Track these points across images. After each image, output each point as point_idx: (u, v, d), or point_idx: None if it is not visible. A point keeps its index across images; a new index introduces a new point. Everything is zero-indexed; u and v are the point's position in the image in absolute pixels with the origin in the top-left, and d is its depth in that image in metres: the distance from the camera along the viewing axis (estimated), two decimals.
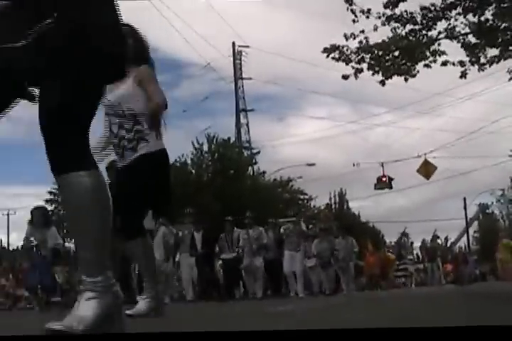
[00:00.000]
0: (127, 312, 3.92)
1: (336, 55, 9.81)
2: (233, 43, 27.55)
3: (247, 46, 27.71)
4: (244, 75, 27.85)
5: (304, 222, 14.15)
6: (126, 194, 3.81)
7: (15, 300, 12.93)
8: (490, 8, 9.29)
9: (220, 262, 12.49)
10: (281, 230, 12.31)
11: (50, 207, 32.60)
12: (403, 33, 9.38)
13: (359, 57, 9.89)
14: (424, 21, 9.10)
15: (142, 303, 4.05)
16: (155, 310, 4.02)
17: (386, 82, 10.16)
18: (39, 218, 9.37)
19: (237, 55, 27.37)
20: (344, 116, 60.57)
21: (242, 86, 28.19)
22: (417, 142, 38.94)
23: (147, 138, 3.97)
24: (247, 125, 28.60)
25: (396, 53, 9.70)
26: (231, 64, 27.62)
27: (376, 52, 9.82)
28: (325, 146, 68.88)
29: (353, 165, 26.51)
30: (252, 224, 12.16)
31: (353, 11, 9.08)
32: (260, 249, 11.84)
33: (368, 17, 9.10)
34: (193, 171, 22.22)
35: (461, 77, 10.39)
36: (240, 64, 27.92)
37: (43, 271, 9.47)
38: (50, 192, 30.65)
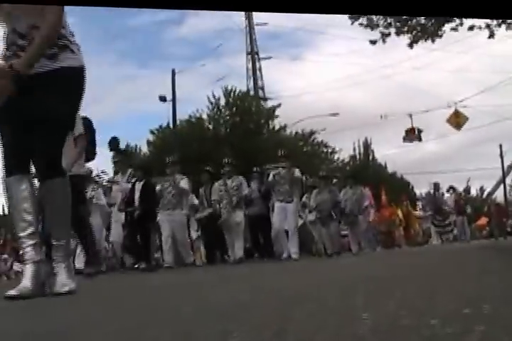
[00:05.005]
0: (9, 292, 2.99)
1: (364, 21, 10.60)
2: None
3: None
4: (256, 20, 28.19)
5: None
6: (42, 116, 3.21)
7: None
8: None
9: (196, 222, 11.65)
10: (270, 177, 10.61)
11: None
12: None
13: (387, 22, 10.66)
14: None
15: (59, 277, 3.26)
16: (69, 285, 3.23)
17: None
18: None
19: None
20: (367, 53, 59.95)
21: (255, 31, 28.50)
22: (454, 84, 38.82)
23: (72, 47, 3.35)
24: (260, 71, 29.00)
25: (422, 17, 10.44)
26: None
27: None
28: (349, 94, 68.44)
29: (381, 117, 27.08)
30: (231, 174, 10.90)
31: None
32: (240, 201, 10.63)
33: None
34: (210, 127, 22.93)
35: (489, 37, 11.18)
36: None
37: None
38: None
